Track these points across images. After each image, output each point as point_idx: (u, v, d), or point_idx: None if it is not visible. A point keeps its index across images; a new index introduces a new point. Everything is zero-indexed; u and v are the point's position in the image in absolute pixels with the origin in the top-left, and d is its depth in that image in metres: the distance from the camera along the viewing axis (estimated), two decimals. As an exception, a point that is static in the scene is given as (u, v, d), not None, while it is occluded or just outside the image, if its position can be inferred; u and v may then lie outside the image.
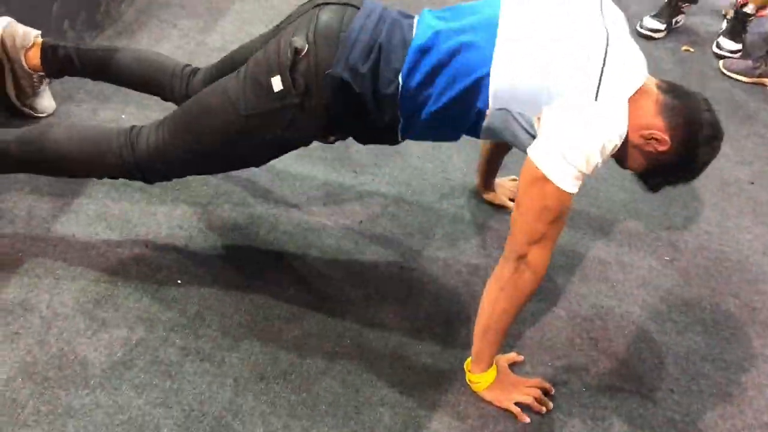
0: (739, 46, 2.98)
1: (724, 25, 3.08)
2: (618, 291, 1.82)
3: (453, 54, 1.35)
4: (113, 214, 1.72)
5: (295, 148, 1.53)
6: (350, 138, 1.55)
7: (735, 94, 2.78)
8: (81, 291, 1.54)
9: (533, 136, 1.34)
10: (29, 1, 1.91)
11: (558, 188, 1.26)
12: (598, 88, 1.27)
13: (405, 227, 1.87)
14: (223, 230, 1.75)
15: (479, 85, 1.34)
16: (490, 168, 1.95)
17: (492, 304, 1.37)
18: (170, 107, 1.67)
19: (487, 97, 1.35)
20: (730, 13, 3.04)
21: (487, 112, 1.37)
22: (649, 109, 1.34)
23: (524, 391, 1.48)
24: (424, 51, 1.37)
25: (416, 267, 1.77)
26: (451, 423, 1.45)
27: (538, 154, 1.27)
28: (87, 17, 2.23)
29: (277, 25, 1.55)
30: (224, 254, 1.69)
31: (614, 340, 1.69)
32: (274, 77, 1.36)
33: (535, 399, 1.48)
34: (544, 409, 1.48)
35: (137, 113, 2.00)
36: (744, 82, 2.85)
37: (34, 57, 1.81)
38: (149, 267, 1.62)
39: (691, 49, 3.00)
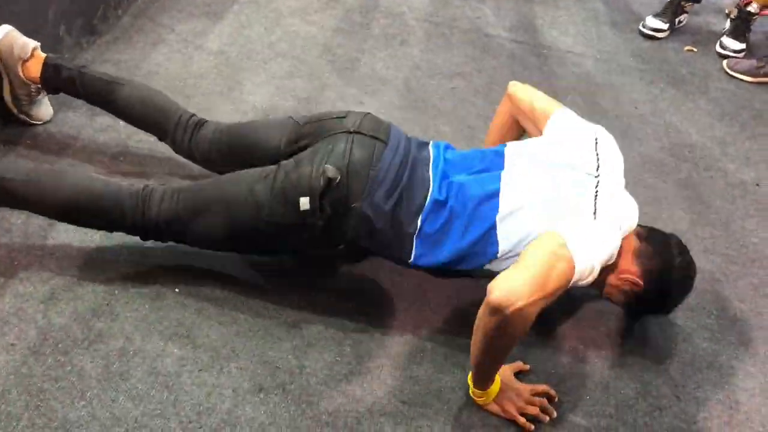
0: (742, 46, 2.95)
1: (728, 24, 3.05)
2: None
3: (466, 206, 1.45)
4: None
5: (304, 253, 1.65)
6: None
7: (739, 95, 2.75)
8: (77, 301, 1.52)
9: None
10: (26, 6, 1.89)
11: (573, 269, 1.30)
12: (595, 210, 1.39)
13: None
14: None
15: (489, 234, 1.43)
16: None
17: (482, 349, 1.33)
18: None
19: (497, 244, 1.43)
20: (734, 13, 3.01)
21: (498, 255, 1.44)
22: (628, 255, 1.49)
23: (528, 400, 1.46)
24: (440, 203, 1.46)
25: (418, 275, 1.74)
26: (453, 433, 1.42)
27: (570, 232, 1.33)
28: (84, 23, 2.21)
29: (299, 123, 1.61)
30: (222, 263, 1.67)
31: (619, 347, 1.66)
32: (303, 198, 1.43)
33: (540, 408, 1.46)
34: (548, 417, 1.46)
35: (135, 119, 1.97)
36: (748, 82, 2.82)
37: (33, 69, 1.79)
38: (147, 276, 1.60)
39: (695, 49, 2.97)
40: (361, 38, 2.63)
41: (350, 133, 1.51)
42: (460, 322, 1.64)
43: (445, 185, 1.47)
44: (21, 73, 1.78)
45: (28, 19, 1.85)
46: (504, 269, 1.32)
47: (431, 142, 1.59)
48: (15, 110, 1.86)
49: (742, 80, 2.83)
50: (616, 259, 1.46)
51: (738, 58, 2.92)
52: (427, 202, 1.46)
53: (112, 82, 1.78)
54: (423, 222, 1.46)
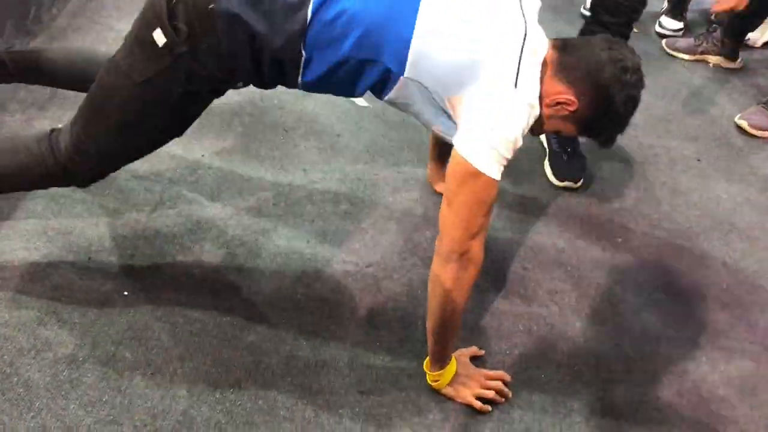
0: (680, 25, 3.02)
1: (665, 4, 3.12)
2: (572, 275, 1.83)
3: (371, 3, 1.28)
4: (54, 227, 1.66)
5: (209, 102, 1.44)
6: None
7: (679, 73, 2.82)
8: (22, 310, 1.48)
9: (444, 117, 1.34)
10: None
11: (491, 179, 1.26)
12: (517, 76, 1.26)
13: (358, 223, 1.85)
14: (169, 237, 1.70)
15: (398, 46, 1.28)
16: (441, 157, 1.93)
17: (441, 306, 1.35)
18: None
19: (404, 61, 1.28)
20: (671, -8, 3.08)
21: (401, 78, 1.31)
22: (549, 77, 1.34)
23: (484, 384, 1.47)
24: None
25: (371, 263, 1.74)
26: (412, 419, 1.43)
27: (468, 148, 1.26)
28: (16, 24, 2.14)
29: None
30: (172, 263, 1.64)
31: (570, 325, 1.70)
32: (155, 31, 1.28)
33: (495, 390, 1.48)
34: (503, 399, 1.48)
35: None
36: (687, 60, 2.89)
37: None
38: (93, 280, 1.57)
39: (636, 30, 3.03)
40: None
41: None
42: (414, 309, 1.65)
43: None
44: None
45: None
46: (405, 95, 1.30)
47: None
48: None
49: (681, 59, 2.90)
50: (541, 88, 1.31)
51: (677, 37, 2.99)
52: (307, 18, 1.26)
53: (39, 50, 1.74)
54: (314, 11, 1.26)
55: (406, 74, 1.30)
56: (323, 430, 1.38)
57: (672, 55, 2.91)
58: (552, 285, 1.79)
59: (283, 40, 1.28)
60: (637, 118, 2.41)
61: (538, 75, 1.32)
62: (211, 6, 1.26)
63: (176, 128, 1.47)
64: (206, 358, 1.46)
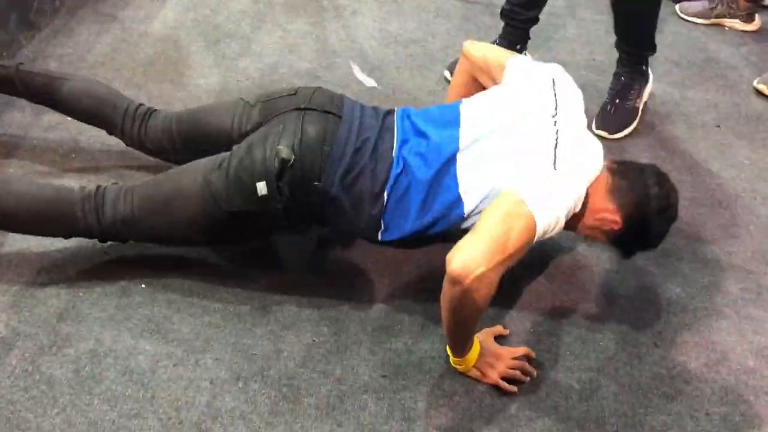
0: (694, -12, 2.95)
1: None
2: (594, 248, 1.80)
3: (426, 169, 1.41)
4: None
5: (271, 236, 1.61)
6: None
7: (694, 37, 2.75)
8: (41, 306, 1.47)
9: None
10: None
11: (534, 227, 1.27)
12: (555, 158, 1.35)
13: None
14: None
15: (456, 202, 1.39)
16: None
17: (451, 319, 1.32)
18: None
19: (461, 203, 1.38)
20: (684, -44, 3.00)
21: (465, 215, 1.39)
22: (602, 194, 1.45)
23: (509, 363, 1.45)
24: (400, 172, 1.42)
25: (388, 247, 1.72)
26: (437, 402, 1.42)
27: (526, 189, 1.29)
28: (19, 18, 2.12)
29: (249, 103, 1.55)
30: (188, 252, 1.63)
31: (594, 300, 1.67)
32: (260, 183, 1.39)
33: (521, 370, 1.46)
34: (528, 378, 1.46)
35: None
36: (702, 25, 2.82)
37: None
38: (111, 273, 1.56)
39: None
40: (312, 11, 2.57)
41: (300, 110, 1.47)
42: (434, 291, 1.62)
43: (405, 151, 1.43)
44: None
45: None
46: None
47: (396, 109, 1.55)
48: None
49: (695, 23, 2.83)
50: (590, 198, 1.42)
51: (690, 1, 2.91)
52: (390, 176, 1.41)
53: (54, 77, 1.71)
54: (388, 196, 1.42)
55: (466, 211, 1.39)
56: (349, 415, 1.37)
57: (686, 20, 2.84)
58: (574, 260, 1.76)
59: (365, 220, 1.44)
60: (654, 85, 2.36)
61: (582, 171, 1.39)
62: (315, 183, 1.40)
63: (229, 244, 1.62)
64: (227, 347, 1.45)
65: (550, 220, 1.30)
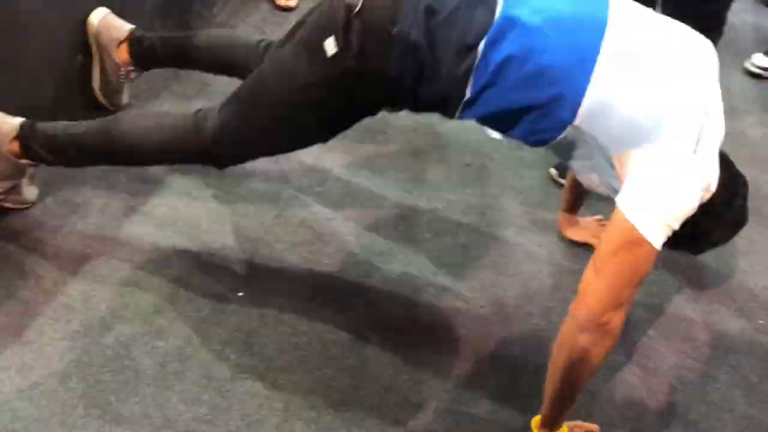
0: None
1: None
2: (702, 353, 1.67)
3: (547, 48, 1.19)
4: (184, 218, 1.71)
5: (361, 118, 1.40)
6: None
7: None
8: (142, 295, 1.53)
9: (608, 169, 1.26)
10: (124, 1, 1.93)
11: (654, 250, 1.16)
12: (698, 141, 1.17)
13: (475, 260, 1.79)
14: (289, 245, 1.71)
15: (571, 94, 1.19)
16: (575, 205, 1.84)
17: (565, 375, 1.25)
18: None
19: (576, 109, 1.20)
20: None
21: (569, 126, 1.22)
22: None
23: None
24: (514, 24, 1.20)
25: (484, 304, 1.68)
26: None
27: (639, 214, 1.16)
28: (177, 20, 2.25)
29: None
30: (288, 270, 1.65)
31: (693, 408, 1.55)
32: (328, 39, 1.25)
33: None
34: None
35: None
36: None
37: (126, 51, 1.83)
38: (212, 276, 1.60)
39: None
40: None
41: None
42: (524, 362, 1.56)
43: (527, 7, 1.21)
44: (115, 55, 1.82)
45: (123, 12, 1.89)
46: (569, 144, 1.25)
47: None
48: (101, 96, 1.90)
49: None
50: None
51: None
52: (495, 20, 1.20)
53: (187, 35, 1.83)
54: (487, 47, 1.20)
55: (576, 123, 1.22)
56: (413, 471, 1.33)
57: None
58: (677, 359, 1.65)
59: (450, 77, 1.24)
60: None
61: (717, 147, 1.23)
62: (394, 30, 1.22)
63: (323, 136, 1.46)
64: (307, 374, 1.45)
65: (670, 230, 1.17)
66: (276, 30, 2.47)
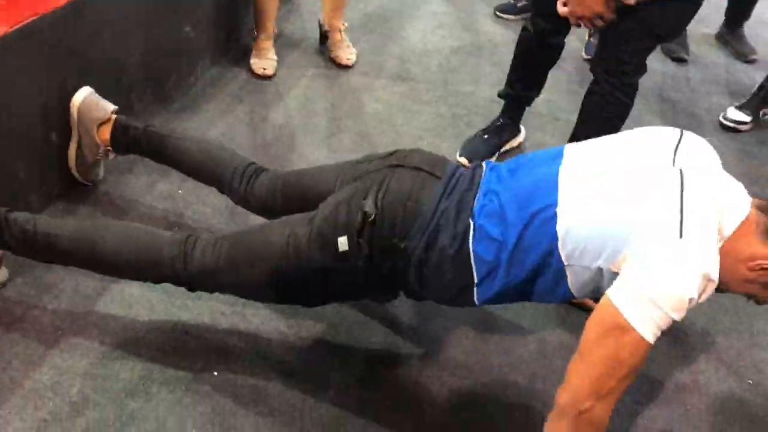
0: (748, 119, 2.81)
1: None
2: (692, 416, 1.63)
3: (518, 220, 1.29)
4: (158, 296, 1.67)
5: (353, 300, 1.54)
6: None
7: None
8: (114, 377, 1.48)
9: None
10: (98, 73, 1.93)
11: (641, 339, 1.12)
12: (681, 223, 1.14)
13: (457, 322, 1.75)
14: (266, 318, 1.67)
15: (547, 239, 1.25)
16: None
17: None
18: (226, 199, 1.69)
19: (559, 255, 1.24)
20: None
21: (566, 270, 1.26)
22: (751, 239, 1.21)
23: None
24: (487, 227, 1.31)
25: (468, 376, 1.64)
26: None
27: (623, 297, 1.13)
28: (154, 90, 2.25)
29: (354, 163, 1.53)
30: (265, 347, 1.61)
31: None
32: (341, 237, 1.35)
33: None
34: None
35: (194, 189, 1.97)
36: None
37: (106, 132, 1.82)
38: (187, 356, 1.55)
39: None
40: (427, 117, 2.60)
41: (392, 166, 1.42)
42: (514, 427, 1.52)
43: (489, 199, 1.33)
44: (95, 135, 1.81)
45: (99, 85, 1.89)
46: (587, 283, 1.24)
47: (485, 164, 1.45)
48: (75, 172, 1.88)
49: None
50: (737, 245, 1.20)
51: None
52: (471, 226, 1.31)
53: (175, 137, 1.81)
54: (474, 244, 1.31)
55: (566, 263, 1.25)
56: None
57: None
58: (667, 425, 1.61)
59: (453, 283, 1.35)
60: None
61: (716, 242, 1.18)
62: (395, 241, 1.34)
63: (309, 304, 1.56)
64: (286, 456, 1.40)
65: (663, 322, 1.13)
66: (254, 98, 2.48)
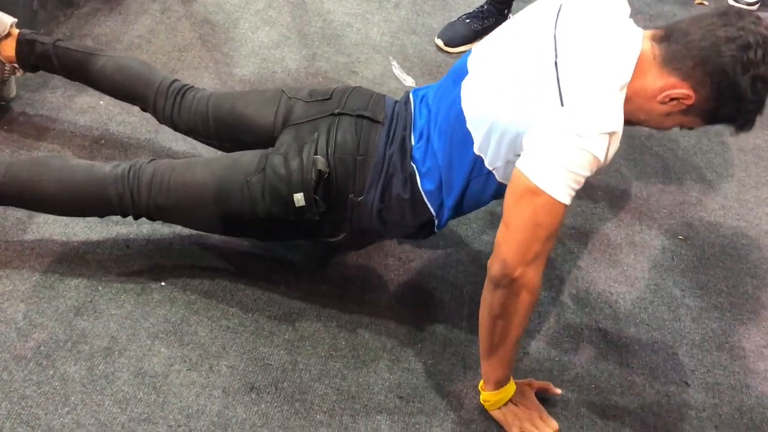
0: (755, -2, 2.81)
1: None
2: (629, 275, 1.72)
3: (441, 140, 1.36)
4: (92, 211, 1.63)
5: (307, 240, 1.59)
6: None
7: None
8: (59, 299, 1.45)
9: None
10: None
11: (553, 200, 1.14)
12: (560, 92, 1.16)
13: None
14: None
15: (470, 151, 1.31)
16: None
17: (490, 332, 1.26)
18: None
19: (482, 163, 1.31)
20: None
21: (491, 169, 1.31)
22: (653, 73, 1.19)
23: (534, 422, 1.36)
24: (424, 156, 1.39)
25: (416, 257, 1.67)
26: (453, 428, 1.37)
27: (526, 164, 1.17)
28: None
29: (288, 96, 1.51)
30: (210, 253, 1.60)
31: (625, 330, 1.60)
32: (297, 194, 1.37)
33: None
34: None
35: (115, 101, 1.87)
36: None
37: (9, 47, 1.69)
38: (131, 269, 1.53)
39: (705, 2, 2.83)
40: (354, 2, 2.50)
41: (334, 115, 1.43)
42: (458, 310, 1.58)
43: (422, 130, 1.40)
44: None
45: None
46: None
47: (411, 93, 1.48)
48: (-15, 92, 1.77)
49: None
50: (640, 83, 1.19)
51: (752, 10, 2.77)
52: (415, 168, 1.38)
53: (89, 53, 1.69)
54: (422, 185, 1.38)
55: (489, 168, 1.31)
56: (360, 436, 1.33)
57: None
58: (606, 286, 1.69)
59: (414, 224, 1.44)
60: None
61: (612, 92, 1.18)
62: (351, 196, 1.39)
63: (263, 239, 1.59)
64: (243, 355, 1.42)
65: (570, 180, 1.14)
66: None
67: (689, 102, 1.19)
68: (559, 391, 1.43)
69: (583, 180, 1.16)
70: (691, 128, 1.30)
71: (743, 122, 1.23)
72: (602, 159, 1.15)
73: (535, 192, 1.14)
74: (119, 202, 1.43)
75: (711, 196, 1.98)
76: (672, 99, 1.20)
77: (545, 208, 1.15)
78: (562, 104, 1.15)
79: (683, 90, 1.18)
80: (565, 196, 1.15)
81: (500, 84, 1.27)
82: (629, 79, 1.19)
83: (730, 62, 1.14)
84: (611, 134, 1.15)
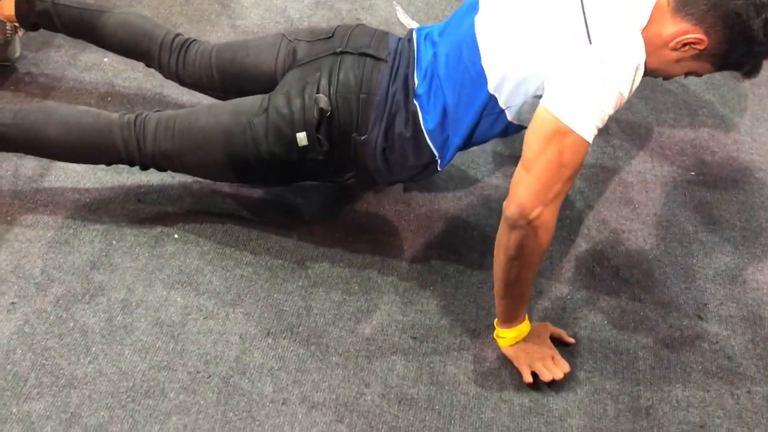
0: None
1: None
2: (641, 213, 1.72)
3: (450, 79, 1.35)
4: (103, 168, 1.63)
5: (315, 182, 1.56)
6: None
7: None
8: (75, 253, 1.48)
9: None
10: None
11: (581, 139, 1.15)
12: (588, 30, 1.17)
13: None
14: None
15: (483, 90, 1.30)
16: None
17: (506, 273, 1.26)
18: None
19: (495, 102, 1.30)
20: None
21: (504, 108, 1.31)
22: (666, 19, 1.22)
23: (546, 363, 1.36)
24: (427, 92, 1.37)
25: (426, 202, 1.67)
26: (467, 367, 1.39)
27: (557, 103, 1.16)
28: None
29: (290, 39, 1.49)
30: (221, 204, 1.61)
31: (637, 267, 1.60)
32: (300, 133, 1.37)
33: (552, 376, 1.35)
34: (551, 379, 1.35)
35: (119, 57, 1.86)
36: None
37: (8, 6, 1.68)
38: (143, 222, 1.55)
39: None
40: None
41: (336, 54, 1.41)
42: (468, 252, 1.58)
43: (426, 68, 1.38)
44: None
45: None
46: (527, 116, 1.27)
47: (416, 33, 1.45)
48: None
49: None
50: (656, 32, 1.20)
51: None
52: (418, 101, 1.37)
53: (90, 10, 1.68)
54: (425, 124, 1.37)
55: (503, 107, 1.30)
56: (376, 376, 1.35)
57: None
58: (618, 224, 1.69)
59: (416, 163, 1.42)
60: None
61: (634, 30, 1.19)
62: (354, 135, 1.38)
63: (268, 184, 1.61)
64: (258, 302, 1.44)
65: (597, 119, 1.16)
66: None
67: (701, 47, 1.21)
68: (572, 340, 1.43)
69: (607, 118, 1.17)
70: (699, 75, 1.31)
71: (751, 67, 1.26)
72: (626, 95, 1.17)
73: (564, 132, 1.14)
74: (125, 148, 1.45)
75: (723, 131, 1.95)
76: (684, 44, 1.21)
77: (573, 147, 1.15)
78: (590, 41, 1.16)
79: (696, 35, 1.20)
80: (591, 135, 1.16)
81: (521, 22, 1.25)
82: (645, 24, 1.21)
83: (743, 5, 1.17)
84: (636, 69, 1.17)
